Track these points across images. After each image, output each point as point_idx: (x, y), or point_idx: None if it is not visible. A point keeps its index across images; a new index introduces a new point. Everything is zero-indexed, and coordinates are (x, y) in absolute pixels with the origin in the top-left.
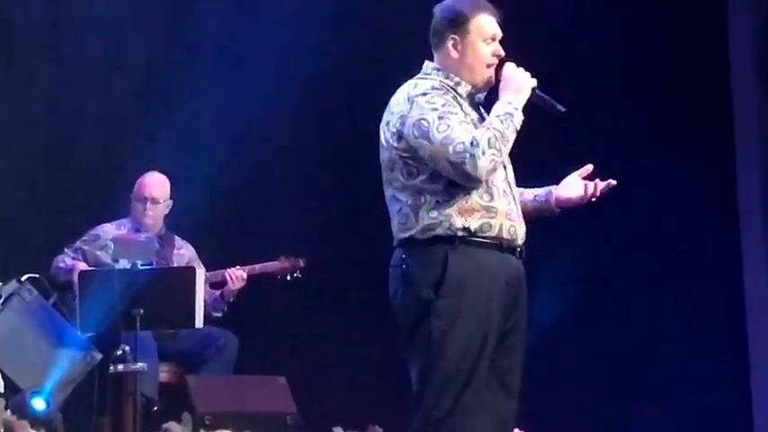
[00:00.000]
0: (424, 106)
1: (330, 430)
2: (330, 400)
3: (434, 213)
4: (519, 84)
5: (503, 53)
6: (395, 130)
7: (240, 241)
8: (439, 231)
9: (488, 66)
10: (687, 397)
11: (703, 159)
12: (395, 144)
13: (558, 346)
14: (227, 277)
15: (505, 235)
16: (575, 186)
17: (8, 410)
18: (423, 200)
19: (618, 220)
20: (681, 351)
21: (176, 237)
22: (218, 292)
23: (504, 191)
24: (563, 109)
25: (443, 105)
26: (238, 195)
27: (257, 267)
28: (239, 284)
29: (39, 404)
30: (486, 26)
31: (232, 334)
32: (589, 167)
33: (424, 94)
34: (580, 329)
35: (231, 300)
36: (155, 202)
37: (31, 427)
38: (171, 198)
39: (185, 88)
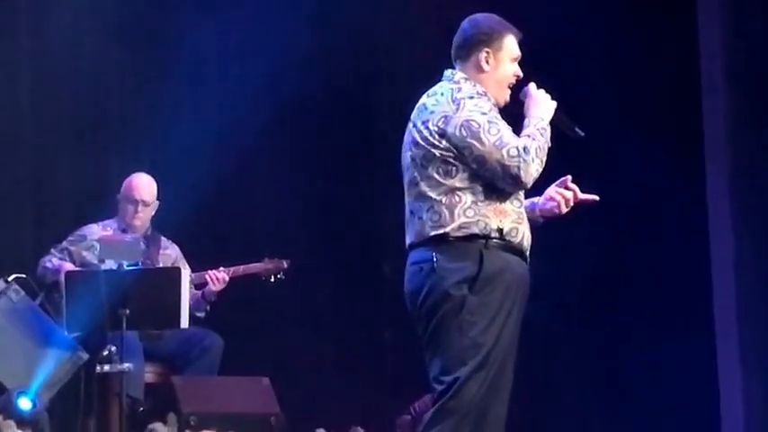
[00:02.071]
0: (472, 109)
1: (313, 431)
2: (313, 402)
3: (471, 212)
4: (545, 103)
5: (521, 75)
6: (436, 128)
7: (225, 242)
8: (475, 230)
9: (509, 84)
10: (656, 389)
11: (673, 158)
12: (435, 142)
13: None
14: (208, 279)
15: (525, 243)
16: (554, 199)
17: None
18: (457, 199)
19: (589, 217)
20: (651, 348)
21: (162, 237)
22: (199, 293)
23: (523, 201)
24: (582, 133)
25: (490, 110)
26: (223, 196)
27: (241, 268)
28: (220, 286)
29: (25, 404)
30: (513, 47)
31: (217, 335)
32: (567, 179)
33: (471, 98)
34: (551, 325)
35: (213, 299)
36: (145, 204)
37: (18, 427)
38: (158, 199)
39: (169, 91)
